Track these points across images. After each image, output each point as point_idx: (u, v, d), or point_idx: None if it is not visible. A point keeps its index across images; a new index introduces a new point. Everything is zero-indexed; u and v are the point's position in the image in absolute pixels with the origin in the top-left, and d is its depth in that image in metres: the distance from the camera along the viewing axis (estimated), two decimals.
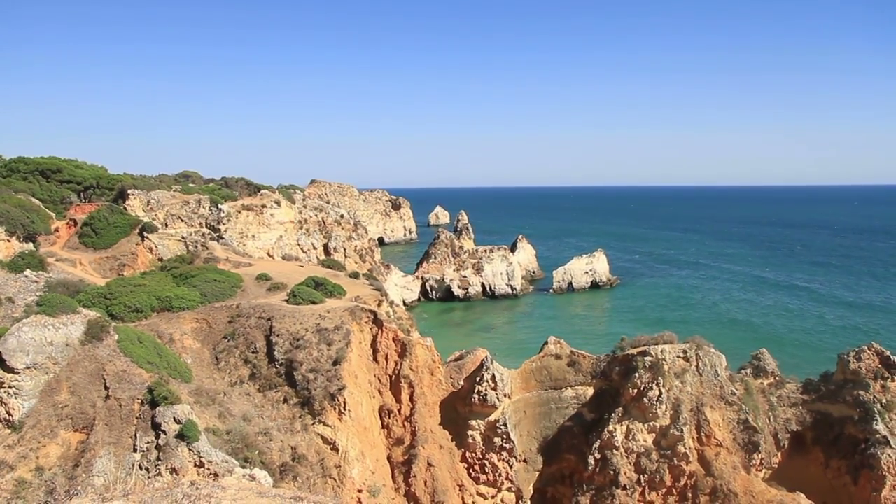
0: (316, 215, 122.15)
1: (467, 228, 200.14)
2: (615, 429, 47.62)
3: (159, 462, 29.48)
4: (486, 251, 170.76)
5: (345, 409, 39.27)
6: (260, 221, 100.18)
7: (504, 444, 48.67)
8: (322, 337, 42.46)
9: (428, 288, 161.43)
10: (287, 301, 47.32)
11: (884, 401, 47.15)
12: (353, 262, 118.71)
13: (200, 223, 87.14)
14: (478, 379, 48.84)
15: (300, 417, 38.78)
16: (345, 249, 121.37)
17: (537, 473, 50.20)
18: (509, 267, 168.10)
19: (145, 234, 64.30)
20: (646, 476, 46.34)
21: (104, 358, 33.95)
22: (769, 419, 49.29)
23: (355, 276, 60.72)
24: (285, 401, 39.62)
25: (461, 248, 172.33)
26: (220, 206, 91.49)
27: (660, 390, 47.01)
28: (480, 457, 48.94)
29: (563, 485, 50.04)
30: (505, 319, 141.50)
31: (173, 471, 29.22)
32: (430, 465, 43.36)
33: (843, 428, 47.92)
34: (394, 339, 46.68)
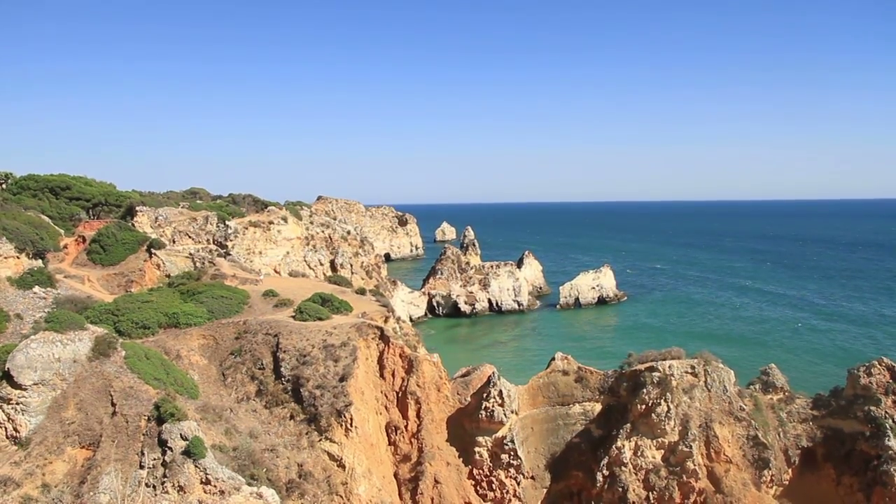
0: (322, 231, 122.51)
1: (474, 244, 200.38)
2: (623, 445, 47.20)
3: (165, 479, 29.39)
4: (492, 267, 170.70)
5: (351, 425, 39.11)
6: (267, 238, 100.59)
7: (511, 461, 48.32)
8: (328, 353, 42.42)
9: (434, 304, 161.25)
10: (294, 317, 47.39)
11: (895, 416, 46.61)
12: (360, 278, 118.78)
13: (208, 239, 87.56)
14: (485, 395, 48.64)
15: (307, 434, 38.64)
16: (351, 265, 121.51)
17: (545, 490, 49.75)
18: (516, 283, 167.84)
19: (153, 250, 64.59)
20: (655, 493, 45.82)
21: (111, 374, 34.00)
22: (779, 435, 48.76)
23: (362, 292, 60.73)
24: (292, 417, 39.50)
25: (468, 263, 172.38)
26: (227, 222, 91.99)
27: (668, 406, 46.63)
28: (488, 474, 48.60)
29: (572, 502, 49.52)
30: (512, 335, 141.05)
31: (180, 488, 29.13)
32: (437, 482, 43.04)
33: (855, 444, 47.32)
34: (400, 356, 46.58)
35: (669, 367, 48.40)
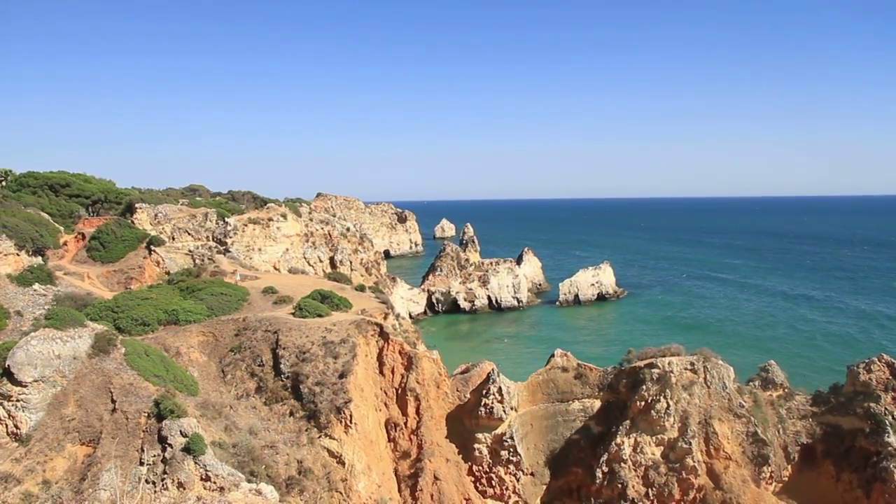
0: (322, 228, 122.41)
1: (473, 241, 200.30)
2: (623, 442, 47.29)
3: (165, 476, 29.40)
4: (492, 264, 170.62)
5: (351, 422, 39.15)
6: (266, 235, 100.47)
7: (511, 458, 48.40)
8: (328, 350, 42.42)
9: (434, 301, 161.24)
10: (293, 314, 47.37)
11: (895, 413, 46.67)
12: (359, 275, 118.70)
13: (207, 236, 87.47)
14: (484, 392, 48.68)
15: (306, 431, 38.66)
16: (351, 262, 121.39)
17: (544, 487, 49.83)
18: (515, 279, 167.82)
19: (152, 247, 64.53)
20: (654, 489, 45.94)
21: (111, 371, 34.01)
22: (778, 432, 48.85)
23: (361, 289, 60.72)
24: (291, 414, 39.52)
25: (467, 260, 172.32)
26: (226, 219, 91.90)
27: (667, 403, 46.71)
28: (487, 470, 48.69)
29: (571, 498, 49.64)
30: (511, 332, 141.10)
31: (179, 485, 29.14)
32: (436, 478, 43.11)
33: (855, 440, 47.42)
34: (400, 352, 46.60)
35: (669, 363, 48.48)
